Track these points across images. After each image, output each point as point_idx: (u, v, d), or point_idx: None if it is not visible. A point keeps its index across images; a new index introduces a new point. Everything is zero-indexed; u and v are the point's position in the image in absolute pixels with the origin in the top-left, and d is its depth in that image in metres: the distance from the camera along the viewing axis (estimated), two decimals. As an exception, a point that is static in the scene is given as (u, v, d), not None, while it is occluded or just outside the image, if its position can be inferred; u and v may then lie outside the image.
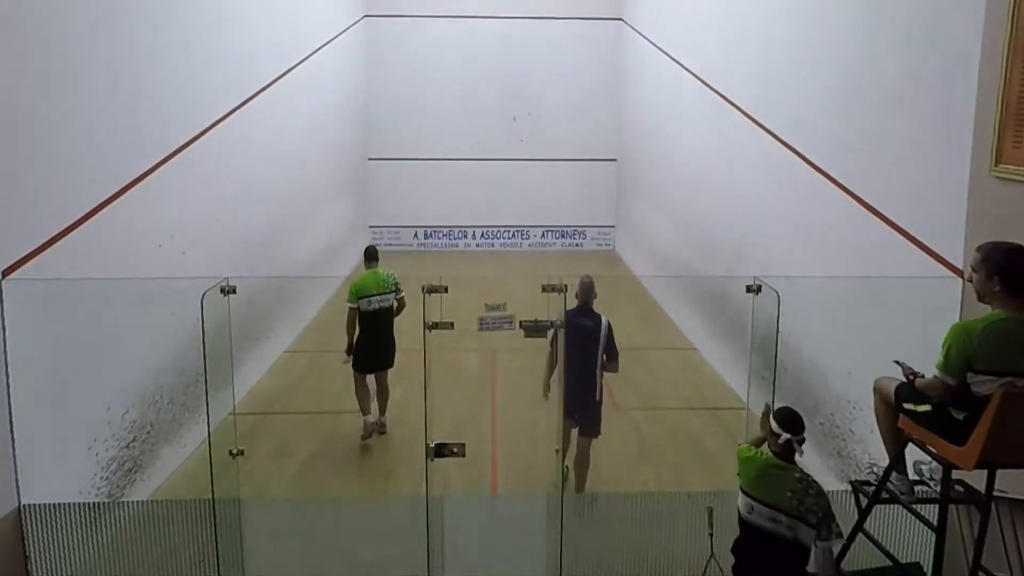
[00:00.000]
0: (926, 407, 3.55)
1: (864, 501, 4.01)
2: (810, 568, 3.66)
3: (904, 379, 3.73)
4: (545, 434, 6.23)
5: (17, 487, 4.86)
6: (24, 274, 4.85)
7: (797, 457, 3.81)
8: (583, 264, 13.99)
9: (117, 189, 5.96)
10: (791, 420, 3.78)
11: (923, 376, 3.63)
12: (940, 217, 5.08)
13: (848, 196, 6.37)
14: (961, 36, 4.80)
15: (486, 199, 17.37)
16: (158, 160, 6.60)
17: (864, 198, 6.13)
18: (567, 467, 5.98)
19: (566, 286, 5.28)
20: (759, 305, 5.18)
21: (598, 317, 6.03)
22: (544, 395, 6.26)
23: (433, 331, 5.07)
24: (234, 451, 5.38)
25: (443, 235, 17.67)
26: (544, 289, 5.25)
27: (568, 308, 5.45)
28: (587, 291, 6.07)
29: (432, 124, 17.10)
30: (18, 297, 4.73)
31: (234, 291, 5.13)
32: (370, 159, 17.09)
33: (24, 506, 4.90)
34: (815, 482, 3.77)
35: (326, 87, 13.24)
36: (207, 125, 7.65)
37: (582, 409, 5.99)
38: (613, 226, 17.71)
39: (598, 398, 6.09)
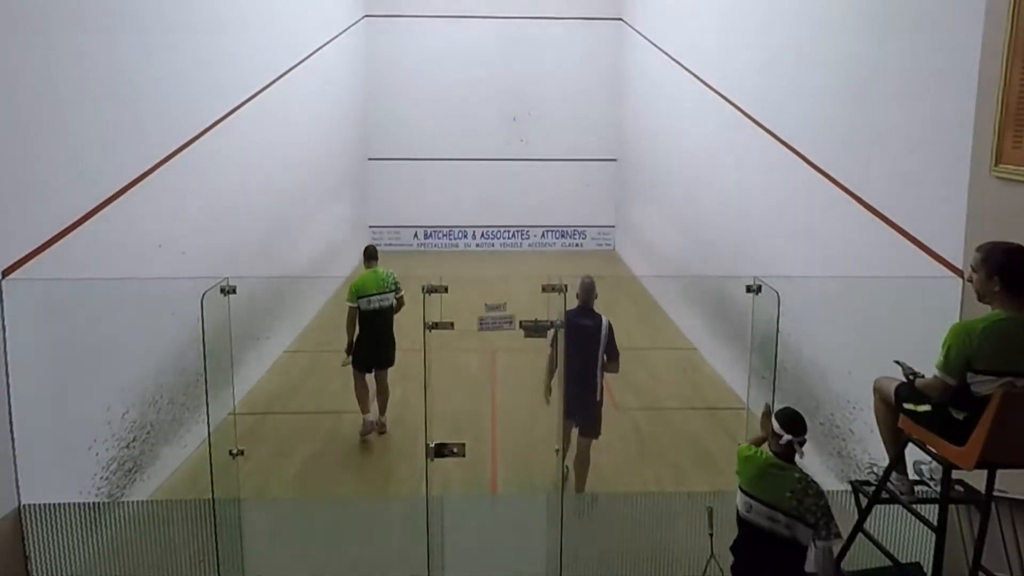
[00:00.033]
0: (926, 407, 3.55)
1: (864, 501, 4.00)
2: (808, 568, 3.66)
3: (904, 379, 3.73)
4: (545, 434, 6.23)
5: (17, 487, 4.86)
6: (24, 274, 4.85)
7: (797, 458, 3.82)
8: (583, 264, 14.00)
9: (117, 189, 5.96)
10: (793, 421, 3.78)
11: (923, 376, 3.63)
12: (940, 217, 5.07)
13: (848, 196, 6.37)
14: (961, 36, 4.80)
15: (486, 199, 17.35)
16: (158, 160, 6.60)
17: (864, 198, 6.13)
18: (567, 467, 5.98)
19: (566, 286, 5.28)
20: (759, 305, 5.18)
21: (598, 317, 6.03)
22: (545, 399, 6.26)
23: (433, 331, 5.08)
24: (234, 451, 5.38)
25: (443, 235, 17.65)
26: (544, 289, 5.26)
27: (568, 308, 5.45)
28: (588, 291, 6.07)
29: (432, 124, 17.07)
30: (18, 297, 4.73)
31: (234, 291, 5.13)
32: (370, 159, 17.07)
33: (24, 506, 4.90)
34: (814, 482, 3.77)
35: (326, 87, 13.24)
36: (207, 125, 7.65)
37: (582, 409, 5.99)
38: (613, 226, 17.69)
39: (598, 398, 6.09)
